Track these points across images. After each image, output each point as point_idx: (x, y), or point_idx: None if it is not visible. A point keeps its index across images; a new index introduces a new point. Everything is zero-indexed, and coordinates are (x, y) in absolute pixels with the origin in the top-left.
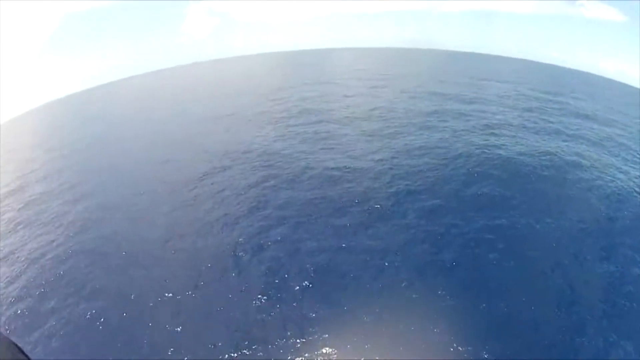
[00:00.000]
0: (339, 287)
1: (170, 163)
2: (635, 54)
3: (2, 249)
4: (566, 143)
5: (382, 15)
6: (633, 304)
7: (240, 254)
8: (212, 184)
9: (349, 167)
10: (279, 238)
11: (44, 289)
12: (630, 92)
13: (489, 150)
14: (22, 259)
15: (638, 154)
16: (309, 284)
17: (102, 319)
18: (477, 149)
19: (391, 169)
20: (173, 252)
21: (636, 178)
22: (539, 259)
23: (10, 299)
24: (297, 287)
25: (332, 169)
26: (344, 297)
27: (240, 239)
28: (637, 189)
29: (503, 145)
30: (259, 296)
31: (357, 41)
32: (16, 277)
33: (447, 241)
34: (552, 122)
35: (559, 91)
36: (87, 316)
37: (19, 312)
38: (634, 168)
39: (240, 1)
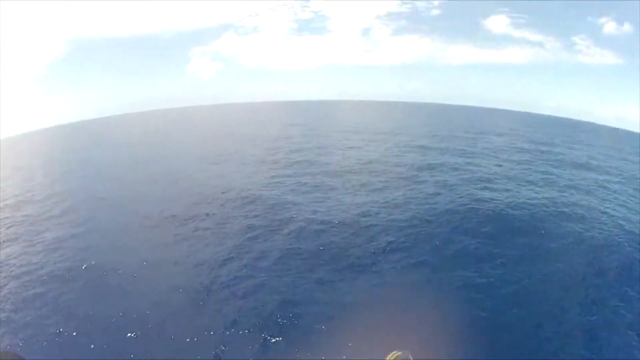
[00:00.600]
0: (307, 342)
1: (158, 202)
2: (631, 97)
3: None
4: (559, 194)
5: (384, 68)
6: (619, 356)
7: (209, 303)
8: (194, 230)
9: (332, 221)
10: (252, 290)
11: (20, 305)
12: (627, 137)
13: (479, 204)
14: (3, 275)
15: (631, 200)
16: (278, 337)
17: (72, 343)
18: (466, 203)
19: (376, 225)
20: (145, 290)
21: (627, 226)
22: (523, 318)
23: None
24: (262, 340)
25: (316, 222)
26: (311, 352)
27: (212, 287)
28: (626, 238)
29: (494, 199)
30: (222, 347)
31: (358, 94)
32: None
33: (426, 300)
34: (546, 174)
35: (554, 142)
36: (57, 339)
37: None
38: (625, 215)
39: (245, 47)
